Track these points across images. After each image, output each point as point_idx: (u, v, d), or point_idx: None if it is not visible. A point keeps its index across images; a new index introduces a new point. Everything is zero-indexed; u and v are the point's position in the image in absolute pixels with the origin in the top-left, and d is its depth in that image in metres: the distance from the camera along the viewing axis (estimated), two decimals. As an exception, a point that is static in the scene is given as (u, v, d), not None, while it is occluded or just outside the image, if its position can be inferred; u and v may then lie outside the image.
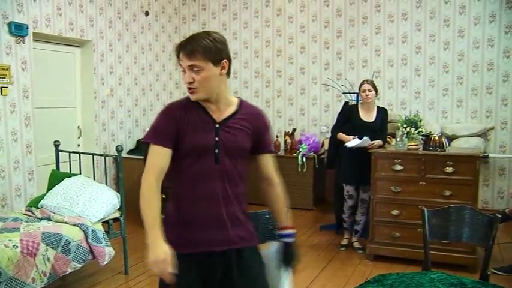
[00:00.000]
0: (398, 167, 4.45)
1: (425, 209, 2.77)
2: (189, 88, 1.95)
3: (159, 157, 2.00)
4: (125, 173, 6.60)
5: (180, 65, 1.97)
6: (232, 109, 2.05)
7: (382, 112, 4.90)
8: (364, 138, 4.60)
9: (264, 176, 2.16)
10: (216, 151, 1.99)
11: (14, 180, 5.14)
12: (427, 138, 4.49)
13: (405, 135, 4.58)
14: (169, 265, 1.86)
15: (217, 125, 2.01)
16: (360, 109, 4.91)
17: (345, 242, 5.06)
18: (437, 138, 4.46)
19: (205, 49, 1.91)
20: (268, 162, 2.16)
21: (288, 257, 2.09)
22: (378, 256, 4.62)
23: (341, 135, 4.86)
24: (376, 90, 4.81)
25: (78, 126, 6.33)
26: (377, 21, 6.65)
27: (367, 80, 4.85)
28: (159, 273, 1.88)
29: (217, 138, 1.99)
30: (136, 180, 6.47)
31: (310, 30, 7.03)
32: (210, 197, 1.99)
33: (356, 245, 4.96)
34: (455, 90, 6.36)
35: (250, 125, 2.06)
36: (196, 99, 1.98)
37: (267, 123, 2.16)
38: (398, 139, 4.66)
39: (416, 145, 4.53)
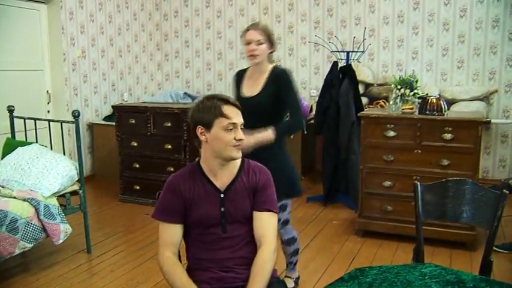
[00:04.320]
0: (391, 133, 3.99)
1: (419, 183, 2.32)
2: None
3: (170, 233, 2.01)
4: (100, 140, 6.23)
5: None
6: (234, 171, 2.05)
7: (276, 77, 2.87)
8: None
9: (257, 236, 2.01)
10: (223, 221, 2.00)
11: (-29, 150, 4.69)
12: (424, 101, 4.00)
13: (399, 97, 4.10)
14: None
15: (221, 195, 2.01)
16: (245, 75, 3.04)
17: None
18: (434, 101, 3.97)
19: None
20: (263, 222, 2.01)
21: None
22: (368, 232, 4.20)
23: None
24: (271, 43, 2.87)
25: (48, 91, 5.84)
26: (372, -26, 6.09)
27: (254, 25, 2.90)
28: None
29: (222, 209, 2.00)
30: (112, 147, 5.97)
31: (300, -15, 6.47)
32: (218, 264, 2.00)
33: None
34: (456, 50, 5.84)
35: (251, 186, 2.04)
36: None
37: (269, 180, 2.09)
38: (391, 102, 4.18)
39: (412, 109, 4.04)
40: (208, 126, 1.95)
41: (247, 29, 2.86)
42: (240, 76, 3.05)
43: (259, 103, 2.85)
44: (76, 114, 3.75)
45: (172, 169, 4.83)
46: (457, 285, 1.55)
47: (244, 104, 2.39)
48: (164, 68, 7.38)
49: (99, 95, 6.42)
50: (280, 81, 2.85)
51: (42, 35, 5.72)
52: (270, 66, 2.91)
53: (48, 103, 5.86)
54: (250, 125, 2.39)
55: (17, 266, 3.74)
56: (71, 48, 5.88)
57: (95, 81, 6.33)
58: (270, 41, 2.84)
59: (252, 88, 2.91)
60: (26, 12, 5.48)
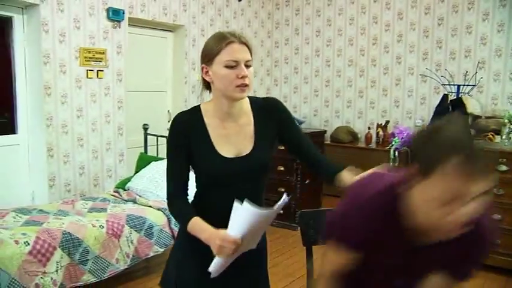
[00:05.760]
0: (503, 168, 4.03)
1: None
2: None
3: None
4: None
5: None
6: None
7: (268, 112, 1.94)
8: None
9: None
10: None
11: (105, 161, 5.29)
12: (539, 137, 4.04)
13: (512, 132, 4.15)
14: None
15: None
16: (205, 121, 1.88)
17: None
18: (550, 137, 3.99)
19: None
20: None
21: None
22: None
23: (193, 227, 1.80)
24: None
25: (168, 111, 6.41)
26: (485, 6, 6.09)
27: (238, 36, 1.79)
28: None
29: None
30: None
31: (409, 17, 6.60)
32: None
33: None
34: None
35: None
36: None
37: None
38: (504, 136, 4.23)
39: (525, 144, 4.09)
40: None
41: (230, 41, 1.76)
42: (193, 124, 1.87)
43: (261, 160, 1.90)
44: (204, 135, 4.18)
45: (283, 189, 5.15)
46: None
47: (232, 167, 1.82)
48: (273, 93, 7.79)
49: (212, 116, 6.90)
50: (277, 115, 1.94)
51: (167, 59, 6.33)
52: (247, 99, 1.92)
53: (168, 121, 6.43)
54: (250, 193, 1.75)
55: (141, 269, 4.16)
56: (191, 72, 6.44)
57: (210, 103, 6.82)
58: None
59: (235, 141, 1.87)
60: (155, 39, 6.10)
